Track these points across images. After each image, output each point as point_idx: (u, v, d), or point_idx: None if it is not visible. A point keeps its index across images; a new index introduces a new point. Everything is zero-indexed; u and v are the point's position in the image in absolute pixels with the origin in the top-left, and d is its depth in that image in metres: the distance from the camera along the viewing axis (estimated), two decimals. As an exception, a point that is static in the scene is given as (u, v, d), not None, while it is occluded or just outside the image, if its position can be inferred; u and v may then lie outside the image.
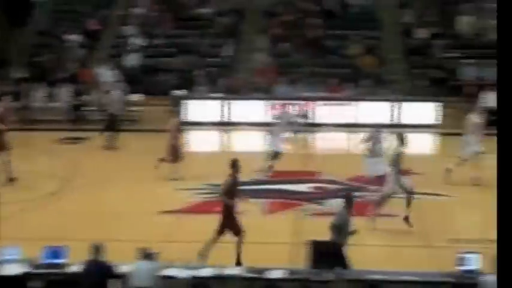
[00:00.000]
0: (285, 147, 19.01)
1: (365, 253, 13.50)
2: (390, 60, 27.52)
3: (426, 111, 23.40)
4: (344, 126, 23.80)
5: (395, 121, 23.61)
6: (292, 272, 11.84)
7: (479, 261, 11.50)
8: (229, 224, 13.10)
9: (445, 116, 23.83)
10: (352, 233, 12.34)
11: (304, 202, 17.06)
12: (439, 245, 14.46)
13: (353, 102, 24.20)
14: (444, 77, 26.27)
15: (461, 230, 15.27)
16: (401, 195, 15.11)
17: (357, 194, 15.92)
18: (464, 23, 28.34)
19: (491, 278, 10.49)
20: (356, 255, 12.30)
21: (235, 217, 13.20)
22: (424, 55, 27.52)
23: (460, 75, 26.10)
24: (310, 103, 24.15)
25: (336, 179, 18.49)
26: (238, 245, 13.18)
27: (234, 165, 13.20)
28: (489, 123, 22.51)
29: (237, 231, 13.15)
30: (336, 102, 24.18)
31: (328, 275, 11.36)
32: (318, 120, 24.11)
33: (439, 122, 23.64)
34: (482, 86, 23.87)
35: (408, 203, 15.07)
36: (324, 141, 23.52)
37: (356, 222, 12.79)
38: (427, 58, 27.43)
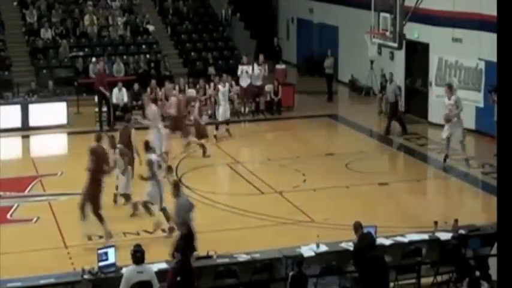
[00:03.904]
0: None
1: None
2: (15, 62, 26.80)
3: (55, 112, 23.09)
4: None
5: (25, 124, 22.87)
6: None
7: (116, 254, 11.52)
8: None
9: (75, 114, 23.92)
10: None
11: None
12: (76, 244, 14.38)
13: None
14: (71, 76, 26.17)
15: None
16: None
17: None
18: (89, 21, 28.48)
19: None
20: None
21: None
22: (50, 55, 27.20)
23: (88, 73, 26.08)
24: None
25: None
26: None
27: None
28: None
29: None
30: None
31: None
32: None
33: (68, 122, 23.30)
34: (111, 83, 24.15)
35: None
36: None
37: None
38: (53, 58, 27.11)
